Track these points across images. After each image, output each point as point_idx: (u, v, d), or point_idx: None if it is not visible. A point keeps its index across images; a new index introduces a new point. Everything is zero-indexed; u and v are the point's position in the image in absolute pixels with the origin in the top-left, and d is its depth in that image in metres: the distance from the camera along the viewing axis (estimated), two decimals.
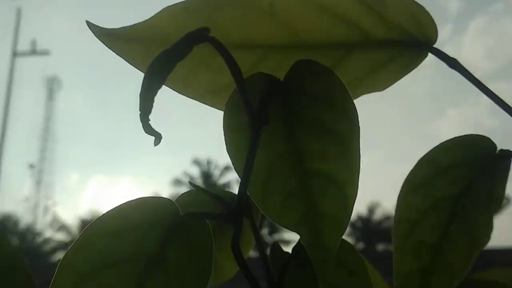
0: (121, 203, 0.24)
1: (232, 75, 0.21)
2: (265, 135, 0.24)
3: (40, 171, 29.18)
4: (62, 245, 23.72)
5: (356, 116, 0.24)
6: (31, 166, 28.93)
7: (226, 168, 25.27)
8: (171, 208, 0.24)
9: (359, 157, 0.24)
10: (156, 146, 0.20)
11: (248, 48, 0.30)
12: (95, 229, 0.24)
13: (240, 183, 0.23)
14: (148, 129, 0.20)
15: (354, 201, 0.25)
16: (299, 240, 0.32)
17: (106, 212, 0.24)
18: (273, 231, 23.56)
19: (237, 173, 0.25)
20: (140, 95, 0.19)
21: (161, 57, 0.20)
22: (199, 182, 25.01)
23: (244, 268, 0.26)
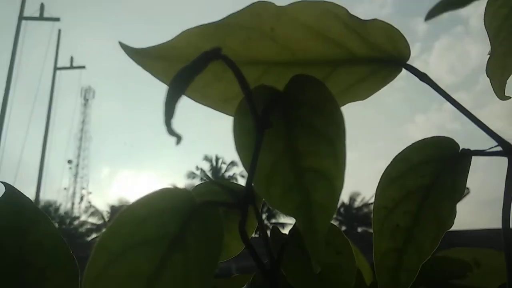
0: (146, 193, 0.24)
1: (241, 87, 0.22)
2: (269, 137, 0.24)
3: (77, 166, 29.22)
4: (95, 227, 23.78)
5: (342, 121, 0.24)
6: (70, 161, 28.96)
7: (232, 163, 25.33)
8: (189, 197, 0.24)
9: (345, 155, 0.24)
10: (177, 145, 0.20)
11: (252, 65, 0.30)
12: (125, 215, 0.24)
13: (247, 176, 0.23)
14: (171, 131, 0.20)
15: (341, 192, 0.25)
16: (295, 224, 0.32)
17: (134, 201, 0.24)
18: (270, 216, 23.57)
19: (245, 168, 0.25)
20: (164, 104, 0.19)
21: (182, 71, 0.20)
22: (209, 175, 25.02)
23: (250, 246, 0.26)
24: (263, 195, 0.26)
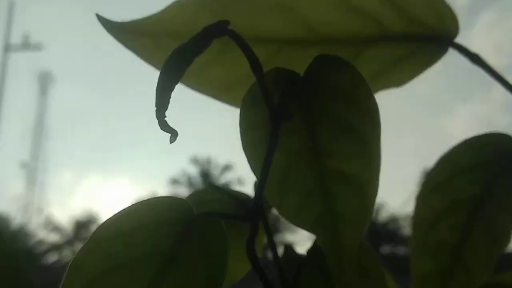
0: (131, 202, 0.24)
1: (252, 70, 0.22)
2: (282, 133, 0.24)
3: (32, 169, 29.23)
4: (55, 247, 23.73)
5: (378, 114, 0.24)
6: (23, 164, 28.98)
7: (226, 168, 25.31)
8: (185, 207, 0.24)
9: (380, 156, 0.24)
10: (171, 143, 0.20)
11: (261, 43, 0.30)
12: (105, 230, 0.24)
13: (258, 182, 0.23)
14: (164, 126, 0.20)
15: (374, 201, 0.25)
16: (314, 241, 0.32)
17: (117, 213, 0.24)
18: (275, 231, 23.60)
19: (253, 172, 0.25)
20: (156, 91, 0.19)
21: (178, 51, 0.19)
22: (197, 181, 24.99)
23: (259, 268, 0.26)
24: (274, 204, 0.26)
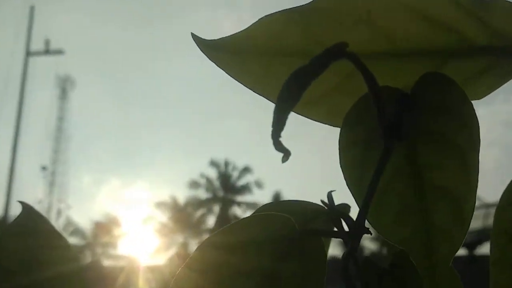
0: (240, 219, 0.25)
1: (370, 89, 0.22)
2: (377, 149, 0.25)
3: (53, 173, 29.53)
4: (75, 249, 23.98)
5: (478, 131, 0.24)
6: (44, 167, 29.28)
7: (245, 170, 25.31)
8: (287, 224, 0.25)
9: (478, 171, 0.25)
10: (283, 163, 0.21)
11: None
12: (208, 246, 0.25)
13: (364, 200, 0.24)
14: (278, 146, 0.20)
15: (471, 216, 0.25)
16: (396, 254, 0.32)
17: (220, 230, 0.25)
18: None
19: (349, 187, 0.25)
20: (274, 113, 0.20)
21: (297, 74, 0.20)
22: (216, 184, 25.05)
23: (351, 285, 0.27)
24: (369, 218, 0.26)
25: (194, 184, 24.68)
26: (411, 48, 0.31)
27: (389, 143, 0.22)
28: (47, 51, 14.80)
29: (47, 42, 14.67)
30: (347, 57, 0.22)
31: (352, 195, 0.26)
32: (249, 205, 24.29)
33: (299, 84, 0.20)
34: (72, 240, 24.48)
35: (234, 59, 0.29)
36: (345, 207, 0.35)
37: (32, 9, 13.65)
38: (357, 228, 0.24)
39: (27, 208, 0.40)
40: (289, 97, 0.20)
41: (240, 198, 24.68)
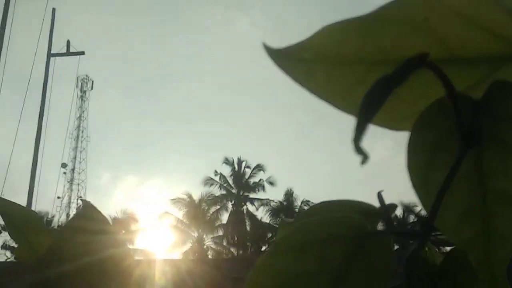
0: (305, 220, 0.26)
1: (449, 96, 0.23)
2: (446, 153, 0.25)
3: (72, 171, 29.75)
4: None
5: None
6: (64, 165, 29.50)
7: (257, 167, 25.31)
8: (357, 224, 0.25)
9: None
10: (362, 165, 0.21)
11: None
12: (279, 245, 0.25)
13: (435, 203, 0.24)
14: (359, 150, 0.21)
15: None
16: (449, 254, 0.33)
17: (292, 229, 0.25)
18: None
19: (415, 190, 0.26)
20: (357, 119, 0.20)
21: (381, 82, 0.21)
22: (230, 181, 25.09)
23: (411, 285, 0.27)
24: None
25: (208, 181, 24.76)
26: (464, 55, 0.31)
27: (465, 148, 0.23)
28: (68, 52, 14.89)
29: (68, 44, 14.78)
30: (428, 67, 0.22)
31: (417, 194, 0.26)
32: (261, 201, 24.31)
33: (382, 93, 0.21)
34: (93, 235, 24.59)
35: (298, 67, 0.30)
36: (394, 207, 0.35)
37: (53, 11, 13.76)
38: (427, 228, 0.25)
39: (86, 203, 0.42)
40: (372, 105, 0.20)
41: (253, 195, 24.72)
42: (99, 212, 0.43)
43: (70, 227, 0.43)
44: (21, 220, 0.52)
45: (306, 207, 24.26)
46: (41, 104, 12.80)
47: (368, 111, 0.20)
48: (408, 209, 22.83)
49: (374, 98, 0.20)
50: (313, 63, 0.30)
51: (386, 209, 0.33)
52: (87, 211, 0.42)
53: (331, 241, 0.25)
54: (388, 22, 0.30)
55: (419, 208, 22.40)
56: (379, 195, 0.34)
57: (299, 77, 0.30)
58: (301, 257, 0.25)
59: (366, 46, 0.31)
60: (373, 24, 0.30)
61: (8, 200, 0.53)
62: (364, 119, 0.20)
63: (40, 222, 0.51)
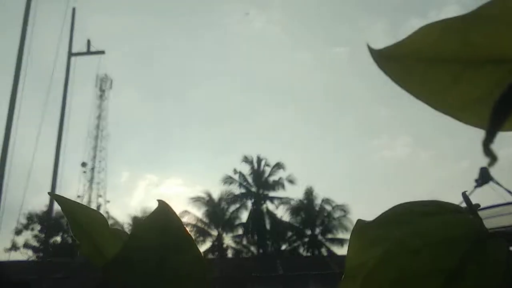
0: (419, 222, 0.25)
1: None
2: None
3: (92, 170, 30.07)
4: None
5: None
6: (84, 164, 29.84)
7: (277, 166, 25.30)
8: (478, 226, 0.25)
9: None
10: (489, 166, 0.21)
11: (496, 63, 0.31)
12: (395, 246, 0.25)
13: None
14: (488, 152, 0.21)
15: None
16: None
17: (405, 232, 0.25)
18: (325, 231, 23.41)
19: None
20: (489, 124, 0.20)
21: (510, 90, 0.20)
22: (249, 180, 25.12)
23: None
24: None
25: (228, 179, 24.83)
26: None
27: None
28: (88, 52, 15.04)
29: (88, 43, 14.92)
30: None
31: None
32: (281, 200, 24.29)
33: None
34: None
35: (396, 66, 0.30)
36: (478, 206, 0.35)
37: (74, 11, 13.92)
38: None
39: (162, 203, 0.43)
40: (502, 111, 0.20)
41: (272, 193, 24.71)
42: (174, 214, 0.43)
43: (143, 229, 0.43)
44: (86, 220, 0.52)
45: (326, 206, 24.03)
46: (62, 104, 12.96)
47: (498, 117, 0.20)
48: None
49: (505, 105, 0.20)
50: (411, 62, 0.30)
51: (474, 209, 0.32)
52: (161, 213, 0.42)
53: (449, 243, 0.25)
54: (486, 20, 0.30)
55: None
56: (465, 196, 0.34)
57: (397, 76, 0.30)
58: (417, 257, 0.25)
59: (464, 45, 0.30)
60: (472, 22, 0.30)
61: (73, 201, 0.53)
62: (494, 124, 0.20)
63: (105, 222, 0.51)
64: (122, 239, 0.51)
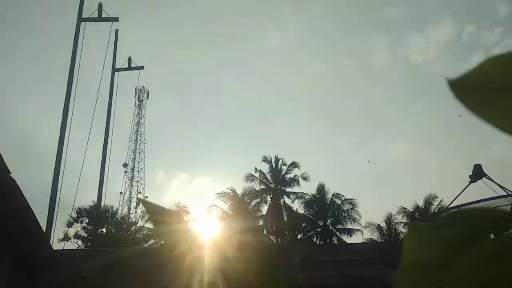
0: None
1: None
2: None
3: (132, 170, 30.45)
4: (152, 233, 24.33)
5: None
6: (125, 165, 30.26)
7: (292, 165, 25.33)
8: None
9: None
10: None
11: None
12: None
13: None
14: None
15: None
16: None
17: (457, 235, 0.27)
18: (336, 222, 23.32)
19: None
20: None
21: None
22: (268, 177, 25.18)
23: None
24: None
25: (249, 177, 24.98)
26: None
27: None
28: (129, 67, 15.25)
29: (129, 60, 15.13)
30: None
31: None
32: (297, 195, 24.35)
33: None
34: (149, 225, 24.93)
35: (467, 96, 0.30)
36: None
37: (116, 32, 14.25)
38: None
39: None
40: None
41: (289, 189, 24.79)
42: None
43: None
44: (163, 218, 0.54)
45: (337, 199, 23.69)
46: (107, 113, 13.31)
47: None
48: (428, 201, 22.45)
49: None
50: (480, 92, 0.30)
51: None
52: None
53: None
54: None
55: (438, 200, 21.97)
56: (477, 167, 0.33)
57: (469, 104, 0.30)
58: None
59: None
60: None
61: (152, 203, 0.55)
62: None
63: (181, 219, 0.53)
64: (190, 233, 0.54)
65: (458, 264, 0.32)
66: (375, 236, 21.91)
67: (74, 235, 22.44)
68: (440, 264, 0.32)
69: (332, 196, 23.58)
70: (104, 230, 23.28)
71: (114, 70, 13.93)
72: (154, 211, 0.55)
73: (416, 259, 0.33)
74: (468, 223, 0.31)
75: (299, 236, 23.58)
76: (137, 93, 31.66)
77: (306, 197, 23.98)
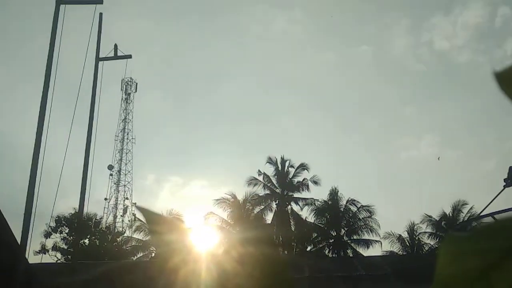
0: None
1: None
2: None
3: (118, 172, 30.32)
4: (141, 245, 24.25)
5: None
6: (110, 167, 30.15)
7: (301, 167, 25.22)
8: None
9: None
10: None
11: None
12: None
13: None
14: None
15: None
16: None
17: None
18: (350, 232, 23.26)
19: None
20: None
21: None
22: (274, 181, 25.10)
23: None
24: None
25: (252, 181, 24.90)
26: None
27: None
28: (116, 56, 15.23)
29: (115, 48, 15.09)
30: None
31: None
32: (306, 201, 24.25)
33: None
34: (138, 236, 24.90)
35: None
36: None
37: (101, 16, 14.22)
38: None
39: None
40: None
41: (297, 194, 24.69)
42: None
43: None
44: (162, 226, 0.55)
45: (352, 206, 23.52)
46: (90, 107, 13.31)
47: None
48: (456, 208, 22.40)
49: None
50: None
51: None
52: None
53: None
54: None
55: (468, 207, 21.89)
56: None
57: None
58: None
59: None
60: None
61: (152, 211, 0.56)
62: None
63: (183, 228, 0.55)
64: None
65: (499, 278, 0.33)
66: (396, 248, 21.95)
67: (52, 246, 22.57)
68: (480, 278, 0.33)
69: (346, 203, 23.61)
70: (86, 241, 23.37)
71: (98, 59, 13.95)
72: (154, 221, 0.54)
73: (453, 274, 0.34)
74: (509, 234, 0.33)
75: (308, 248, 23.59)
76: (124, 86, 31.63)
77: (317, 203, 24.00)
